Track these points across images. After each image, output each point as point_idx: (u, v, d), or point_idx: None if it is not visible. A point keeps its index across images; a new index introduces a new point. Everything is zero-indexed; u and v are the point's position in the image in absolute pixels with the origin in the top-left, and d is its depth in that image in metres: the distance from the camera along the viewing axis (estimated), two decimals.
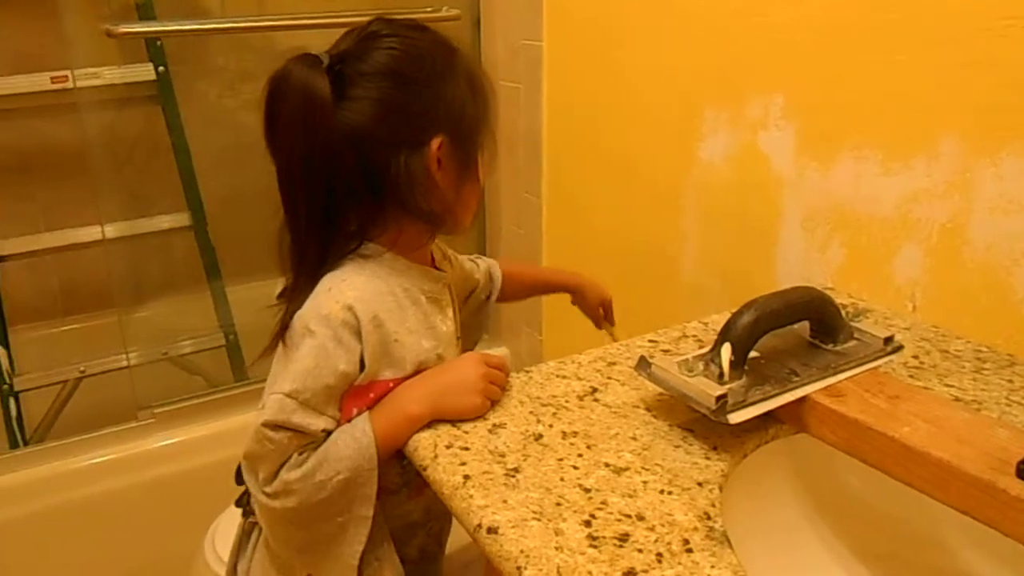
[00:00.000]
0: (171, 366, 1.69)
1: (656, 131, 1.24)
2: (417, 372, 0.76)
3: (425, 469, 0.68)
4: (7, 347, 1.60)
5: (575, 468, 0.65)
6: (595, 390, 0.77)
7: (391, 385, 0.75)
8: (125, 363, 1.55)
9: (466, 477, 0.64)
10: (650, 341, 0.87)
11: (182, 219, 1.75)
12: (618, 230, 1.37)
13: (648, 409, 0.74)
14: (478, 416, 0.73)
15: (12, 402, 1.57)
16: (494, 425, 0.71)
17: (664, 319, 0.93)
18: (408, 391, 0.74)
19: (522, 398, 0.76)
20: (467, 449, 0.68)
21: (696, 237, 1.20)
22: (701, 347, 0.75)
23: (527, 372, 0.80)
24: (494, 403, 0.74)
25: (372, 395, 0.74)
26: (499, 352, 1.80)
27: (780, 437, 0.72)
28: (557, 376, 0.80)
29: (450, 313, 0.83)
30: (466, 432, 0.71)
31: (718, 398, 0.65)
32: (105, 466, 1.41)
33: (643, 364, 0.71)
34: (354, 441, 0.71)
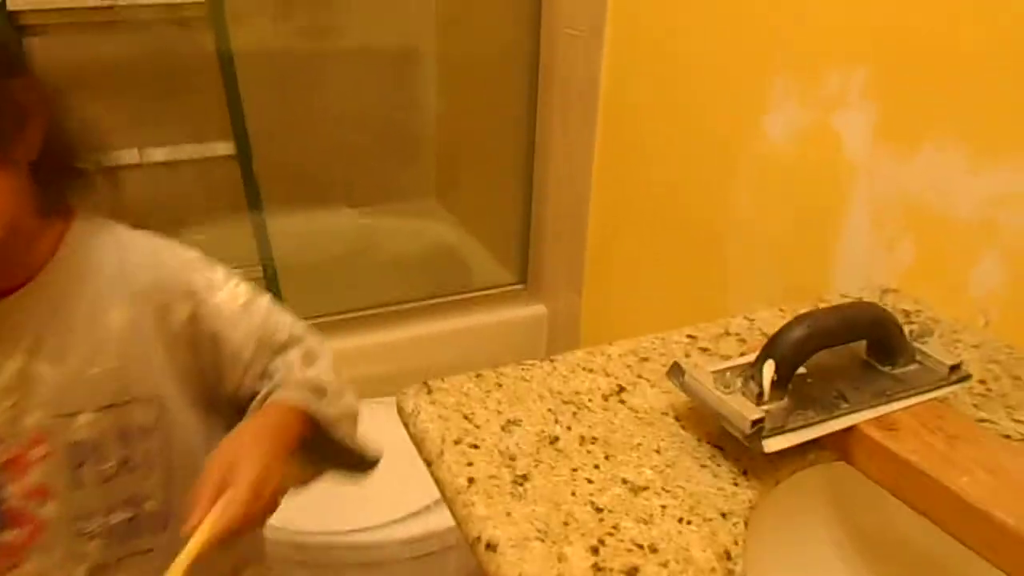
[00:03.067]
0: None
1: (718, 96, 1.15)
2: None
3: (430, 464, 0.63)
4: None
5: (589, 482, 0.60)
6: (622, 389, 0.72)
7: None
8: None
9: (471, 480, 0.60)
10: (688, 336, 0.81)
11: (226, 148, 1.71)
12: (667, 202, 1.29)
13: (677, 418, 0.68)
14: None
15: None
16: (508, 421, 0.66)
17: (707, 305, 0.87)
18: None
19: (543, 392, 0.71)
20: (476, 447, 0.63)
21: (749, 218, 1.12)
22: (743, 352, 0.68)
23: (551, 362, 0.75)
24: None
25: None
26: (536, 310, 1.74)
27: (820, 463, 0.65)
28: (583, 368, 0.74)
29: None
30: (478, 427, 0.66)
31: (754, 422, 0.58)
32: None
33: (676, 371, 0.65)
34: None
